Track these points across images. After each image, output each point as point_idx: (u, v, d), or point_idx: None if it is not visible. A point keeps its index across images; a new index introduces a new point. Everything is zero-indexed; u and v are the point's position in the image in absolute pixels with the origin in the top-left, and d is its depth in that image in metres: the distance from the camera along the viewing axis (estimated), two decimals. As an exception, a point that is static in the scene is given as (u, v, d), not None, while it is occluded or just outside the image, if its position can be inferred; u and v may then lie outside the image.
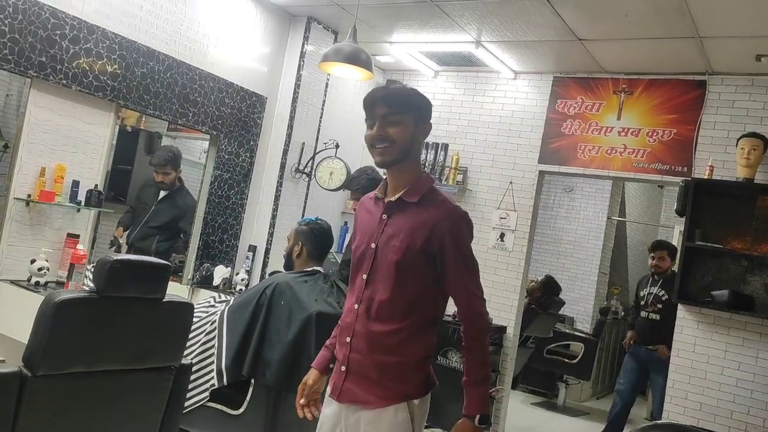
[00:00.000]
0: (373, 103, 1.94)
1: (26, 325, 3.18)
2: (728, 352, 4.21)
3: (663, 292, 5.12)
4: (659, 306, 5.14)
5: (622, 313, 7.97)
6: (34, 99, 3.43)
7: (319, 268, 3.35)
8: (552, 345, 6.79)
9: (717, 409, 4.19)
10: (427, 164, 5.31)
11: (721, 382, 4.20)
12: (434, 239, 1.87)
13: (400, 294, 1.89)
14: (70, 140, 3.60)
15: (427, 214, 1.90)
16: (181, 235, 4.71)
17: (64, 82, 3.48)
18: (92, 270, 3.76)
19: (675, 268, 4.97)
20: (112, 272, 2.18)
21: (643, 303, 5.26)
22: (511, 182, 5.08)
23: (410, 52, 5.10)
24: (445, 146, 5.31)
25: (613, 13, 3.83)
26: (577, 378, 6.97)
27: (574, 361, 6.85)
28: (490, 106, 5.28)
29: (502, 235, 5.09)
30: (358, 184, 3.50)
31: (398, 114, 1.92)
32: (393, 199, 1.96)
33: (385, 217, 1.96)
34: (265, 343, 3.05)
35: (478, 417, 1.86)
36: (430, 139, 5.37)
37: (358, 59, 3.64)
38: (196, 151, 5.92)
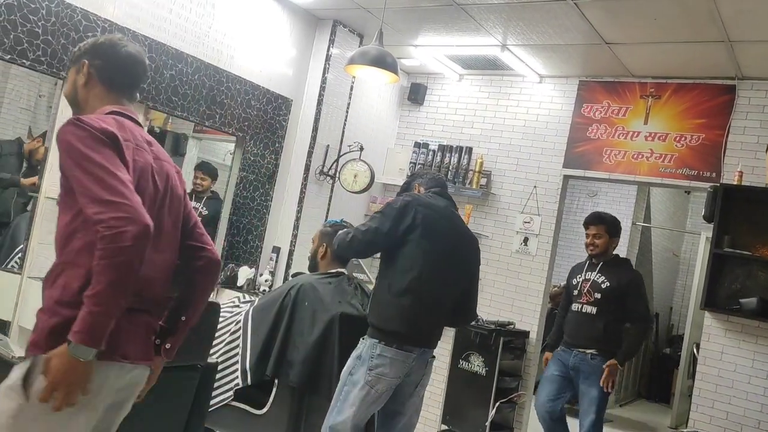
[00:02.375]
0: None
1: (56, 322, 3.25)
2: (756, 361, 4.14)
3: (603, 278, 4.07)
4: (597, 296, 4.03)
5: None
6: (65, 100, 3.48)
7: (343, 270, 3.37)
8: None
9: (744, 419, 4.12)
10: (450, 167, 5.30)
11: (749, 391, 4.13)
12: (59, 160, 1.63)
13: (57, 229, 1.70)
14: (100, 141, 3.66)
15: None
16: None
17: (95, 83, 3.54)
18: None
19: (624, 254, 4.47)
20: (142, 271, 2.21)
21: (576, 293, 4.14)
22: (535, 186, 5.05)
23: (435, 55, 5.11)
24: (469, 150, 5.30)
25: (641, 16, 3.80)
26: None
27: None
28: (514, 110, 5.26)
29: (525, 240, 5.06)
30: None
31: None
32: None
33: None
34: (288, 344, 3.07)
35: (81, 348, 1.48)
36: (453, 142, 5.38)
37: (384, 62, 3.65)
38: (220, 153, 5.99)
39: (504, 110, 5.30)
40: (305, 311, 3.10)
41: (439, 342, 3.01)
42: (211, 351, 2.86)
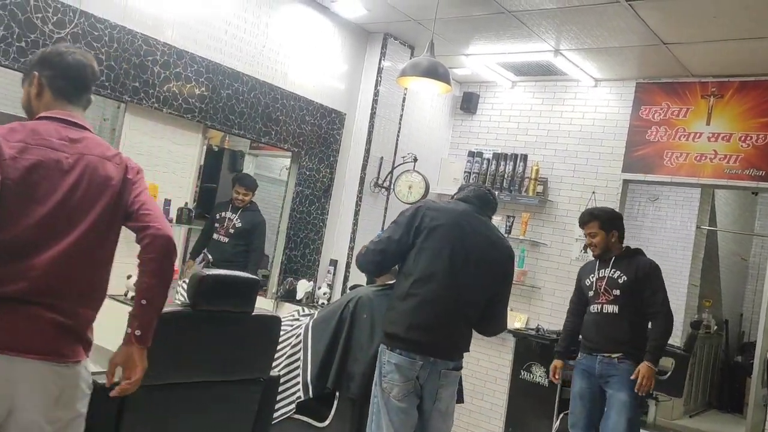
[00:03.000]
0: None
1: (122, 337, 3.35)
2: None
3: (619, 273, 3.68)
4: (616, 293, 3.64)
5: (715, 327, 7.59)
6: (129, 122, 3.62)
7: (400, 282, 3.36)
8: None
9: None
10: (505, 176, 5.25)
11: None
12: None
13: None
14: (162, 161, 3.78)
15: None
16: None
17: (156, 105, 3.66)
18: (185, 285, 3.93)
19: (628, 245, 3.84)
20: (205, 287, 2.27)
21: (591, 294, 3.75)
22: (593, 192, 4.95)
23: (487, 63, 5.08)
24: (524, 157, 5.23)
25: (699, 14, 3.68)
26: (668, 395, 6.66)
27: (665, 377, 6.55)
28: (569, 115, 5.18)
29: (586, 247, 4.95)
30: None
31: None
32: None
33: None
34: (348, 356, 3.09)
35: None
36: (507, 150, 5.32)
37: (436, 73, 3.65)
38: (276, 168, 6.10)
39: (559, 116, 5.22)
40: (364, 324, 3.11)
41: (464, 354, 2.87)
42: (273, 364, 2.89)
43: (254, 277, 2.44)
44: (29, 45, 3.09)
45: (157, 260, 1.93)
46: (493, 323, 2.96)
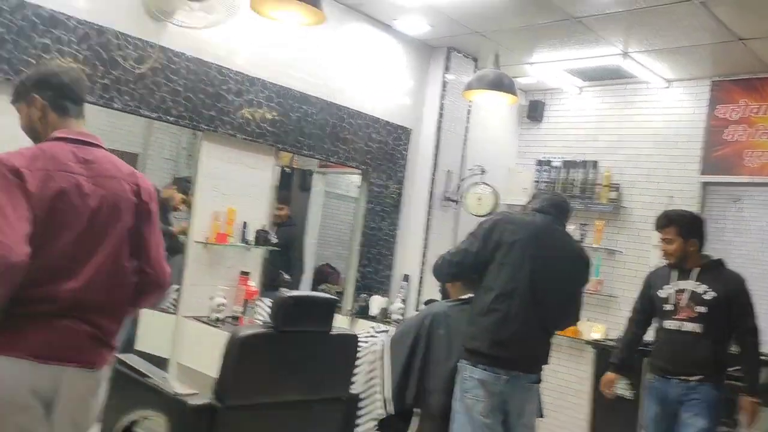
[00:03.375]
0: None
1: (209, 358, 3.47)
2: None
3: (705, 287, 3.19)
4: (701, 310, 3.17)
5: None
6: (206, 150, 3.77)
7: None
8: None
9: None
10: (575, 183, 5.15)
11: None
12: None
13: None
14: (238, 185, 3.91)
15: None
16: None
17: (231, 132, 3.80)
18: (265, 304, 4.03)
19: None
20: (287, 308, 2.33)
21: (668, 308, 3.28)
22: (671, 196, 4.79)
23: (552, 70, 5.02)
24: (594, 164, 5.12)
25: (778, 7, 3.54)
26: (763, 405, 6.32)
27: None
28: (641, 118, 5.04)
29: (665, 253, 4.79)
30: None
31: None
32: None
33: None
34: (427, 372, 3.08)
35: None
36: (576, 157, 5.23)
37: (502, 85, 3.65)
38: (342, 185, 6.21)
39: (629, 120, 5.09)
40: (441, 339, 3.10)
41: (543, 366, 2.86)
42: (352, 381, 2.93)
43: (332, 297, 2.49)
44: (113, 81, 3.28)
45: (151, 303, 2.15)
46: (569, 321, 3.06)
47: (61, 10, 3.08)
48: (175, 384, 2.38)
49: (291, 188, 5.48)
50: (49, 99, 1.95)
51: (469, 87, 3.75)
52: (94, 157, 1.94)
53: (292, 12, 2.78)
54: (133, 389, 2.41)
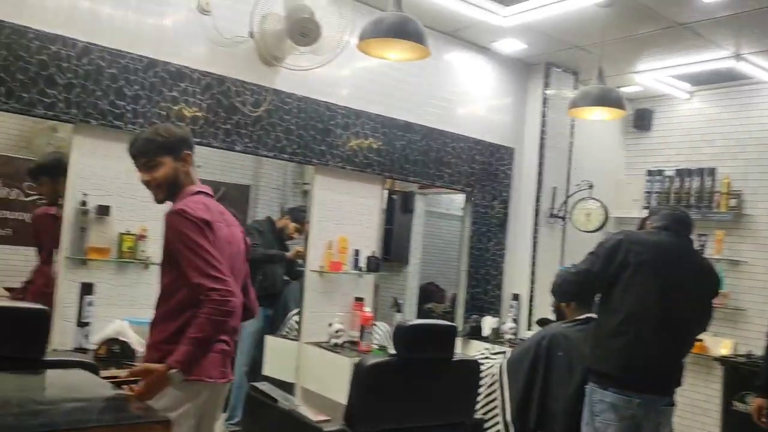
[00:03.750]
0: (131, 155, 2.23)
1: (332, 382, 3.62)
2: None
3: None
4: None
5: None
6: (318, 182, 3.94)
7: (592, 315, 3.29)
8: None
9: None
10: (691, 192, 4.95)
11: None
12: (166, 237, 2.11)
13: (161, 288, 2.18)
14: (349, 214, 4.06)
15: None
16: None
17: (340, 164, 3.96)
18: (381, 329, 4.15)
19: None
20: (409, 336, 2.41)
21: None
22: (800, 201, 4.50)
23: (658, 78, 4.87)
24: (712, 171, 4.90)
25: None
26: None
27: None
28: (760, 120, 4.78)
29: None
30: None
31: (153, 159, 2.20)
32: None
33: None
34: (548, 395, 3.07)
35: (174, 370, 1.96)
36: (690, 165, 5.03)
37: (609, 100, 3.59)
38: (443, 204, 6.28)
39: (747, 122, 4.85)
40: (560, 361, 3.08)
41: (677, 388, 2.75)
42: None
43: (452, 324, 2.55)
44: (233, 126, 3.52)
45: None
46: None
47: (186, 65, 3.35)
48: (307, 410, 2.50)
49: (394, 210, 5.60)
50: (191, 156, 2.25)
51: (574, 105, 3.71)
52: (221, 208, 2.25)
53: (398, 50, 2.88)
54: (267, 415, 2.57)
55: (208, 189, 2.27)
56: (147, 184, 2.21)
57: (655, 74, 4.83)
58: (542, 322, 4.08)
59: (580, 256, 4.40)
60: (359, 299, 3.98)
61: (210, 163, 4.47)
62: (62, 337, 3.02)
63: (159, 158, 2.20)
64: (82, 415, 1.10)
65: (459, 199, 6.03)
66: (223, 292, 2.00)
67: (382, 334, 4.20)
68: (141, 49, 3.22)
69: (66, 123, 3.12)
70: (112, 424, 0.96)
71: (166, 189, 2.21)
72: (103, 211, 3.13)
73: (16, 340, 1.83)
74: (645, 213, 3.12)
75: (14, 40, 2.87)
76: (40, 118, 3.19)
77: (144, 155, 2.19)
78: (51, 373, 1.67)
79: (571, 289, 2.85)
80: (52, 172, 3.32)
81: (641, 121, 5.40)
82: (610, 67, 4.56)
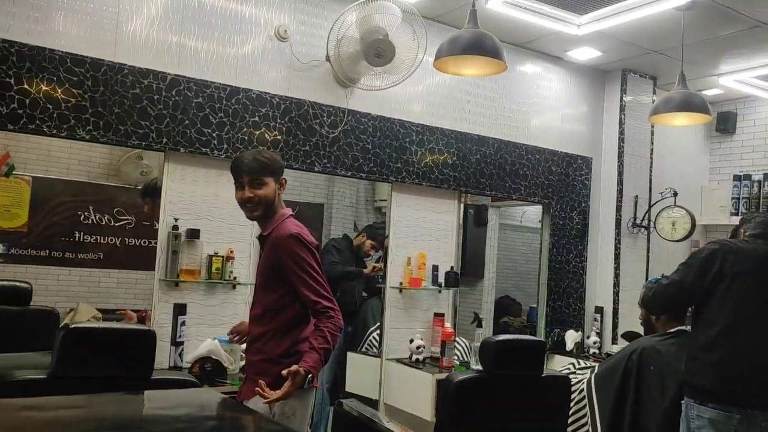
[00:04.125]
0: (238, 172, 2.38)
1: (415, 398, 3.62)
2: None
3: None
4: None
5: None
6: (395, 199, 3.98)
7: (683, 328, 3.18)
8: None
9: None
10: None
11: None
12: (274, 257, 2.30)
13: (263, 305, 2.34)
14: (426, 230, 4.08)
15: (271, 241, 2.33)
16: None
17: (416, 180, 3.99)
18: (462, 345, 4.13)
19: None
20: (497, 352, 2.39)
21: None
22: None
23: (742, 79, 4.69)
24: (805, 173, 4.67)
25: None
26: None
27: None
28: None
29: None
30: None
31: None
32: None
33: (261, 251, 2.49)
34: (640, 410, 2.98)
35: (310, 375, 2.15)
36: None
37: (692, 105, 3.48)
38: (516, 216, 6.21)
39: (843, 121, 4.60)
40: (652, 376, 2.99)
41: None
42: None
43: (540, 339, 2.52)
44: (312, 147, 3.61)
45: None
46: None
47: (266, 90, 3.47)
48: (394, 426, 2.52)
49: (467, 224, 5.58)
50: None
51: (655, 111, 3.62)
52: None
53: (475, 66, 2.90)
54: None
55: (291, 211, 2.45)
56: (248, 200, 2.36)
57: (738, 75, 4.64)
58: (628, 336, 3.97)
59: (666, 267, 4.27)
60: (439, 315, 3.98)
61: (286, 183, 4.63)
62: (159, 356, 3.14)
63: (264, 178, 2.37)
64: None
65: (532, 210, 5.96)
66: (335, 311, 2.26)
67: (463, 349, 4.19)
68: (224, 77, 3.36)
69: (157, 152, 3.28)
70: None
71: (264, 208, 2.37)
72: (194, 234, 3.27)
73: (125, 361, 1.93)
74: (735, 220, 3.00)
75: (110, 76, 3.05)
76: (135, 148, 3.37)
77: (252, 173, 2.34)
78: (180, 393, 1.78)
79: (664, 301, 2.78)
80: (153, 194, 3.62)
81: (725, 124, 5.20)
82: (689, 70, 4.42)
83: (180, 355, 3.18)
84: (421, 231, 4.06)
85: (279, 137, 3.50)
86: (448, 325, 3.95)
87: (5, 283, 3.57)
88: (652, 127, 4.85)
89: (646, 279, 4.56)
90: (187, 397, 1.47)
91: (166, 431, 1.06)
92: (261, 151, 2.48)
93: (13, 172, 4.65)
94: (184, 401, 1.31)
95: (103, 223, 5.11)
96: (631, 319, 4.23)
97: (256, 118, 3.44)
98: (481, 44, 2.74)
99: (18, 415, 1.13)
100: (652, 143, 4.89)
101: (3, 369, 2.19)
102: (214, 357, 3.06)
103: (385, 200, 4.14)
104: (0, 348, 3.19)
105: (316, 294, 2.23)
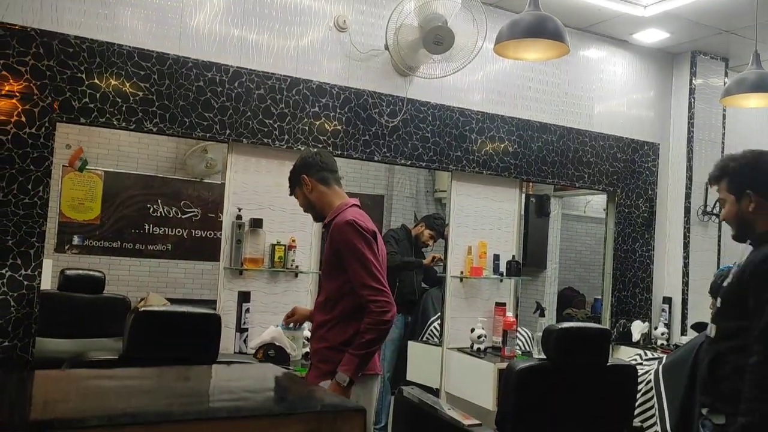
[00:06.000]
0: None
1: (476, 387, 3.60)
2: None
3: (733, 273, 2.26)
4: (718, 306, 2.26)
5: None
6: (455, 188, 3.95)
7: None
8: None
9: None
10: None
11: None
12: (333, 246, 2.32)
13: (327, 293, 2.38)
14: (486, 219, 4.03)
15: (331, 229, 2.35)
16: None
17: (477, 169, 3.95)
18: (523, 335, 4.08)
19: None
20: (560, 340, 2.35)
21: None
22: None
23: (823, 57, 4.42)
24: None
25: None
26: None
27: None
28: None
29: None
30: None
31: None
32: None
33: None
34: (712, 404, 2.87)
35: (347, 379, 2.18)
36: None
37: (767, 85, 3.31)
38: (579, 206, 6.09)
39: None
40: (725, 368, 2.87)
41: None
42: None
43: (605, 327, 2.46)
44: (371, 137, 3.62)
45: None
46: None
47: (326, 81, 3.50)
48: (456, 414, 2.51)
49: (529, 214, 5.50)
50: (315, 176, 2.43)
51: (728, 93, 3.45)
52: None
53: (536, 50, 2.84)
54: (417, 418, 2.60)
55: (355, 200, 2.46)
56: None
57: (820, 54, 4.38)
58: (698, 327, 3.84)
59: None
60: (501, 304, 3.94)
61: (347, 175, 4.68)
62: (224, 342, 3.22)
63: (294, 192, 2.53)
64: (286, 403, 1.20)
65: (596, 200, 5.82)
66: (382, 303, 2.22)
67: (524, 339, 4.13)
68: (284, 69, 3.41)
69: (221, 143, 3.36)
70: (317, 410, 1.03)
71: (312, 212, 2.53)
72: (257, 223, 3.33)
73: (191, 344, 1.99)
74: None
75: (175, 70, 3.14)
76: (199, 140, 3.46)
77: (291, 195, 2.56)
78: (245, 366, 1.84)
79: None
80: None
81: (804, 106, 4.92)
82: (765, 50, 4.21)
83: (244, 341, 3.25)
84: (482, 220, 4.02)
85: (339, 127, 3.53)
86: (509, 314, 3.90)
87: (80, 272, 3.76)
88: (724, 110, 4.64)
89: (718, 268, 4.38)
90: (252, 372, 1.52)
91: (234, 398, 1.11)
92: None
93: (87, 167, 4.87)
94: (250, 374, 1.35)
95: (171, 215, 5.30)
96: (702, 310, 4.08)
97: (317, 109, 3.47)
98: (542, 26, 2.68)
99: (89, 383, 1.20)
100: (724, 127, 4.69)
101: (77, 352, 2.31)
102: (277, 344, 3.12)
103: (445, 191, 4.12)
104: (75, 333, 3.36)
105: (364, 284, 2.23)
